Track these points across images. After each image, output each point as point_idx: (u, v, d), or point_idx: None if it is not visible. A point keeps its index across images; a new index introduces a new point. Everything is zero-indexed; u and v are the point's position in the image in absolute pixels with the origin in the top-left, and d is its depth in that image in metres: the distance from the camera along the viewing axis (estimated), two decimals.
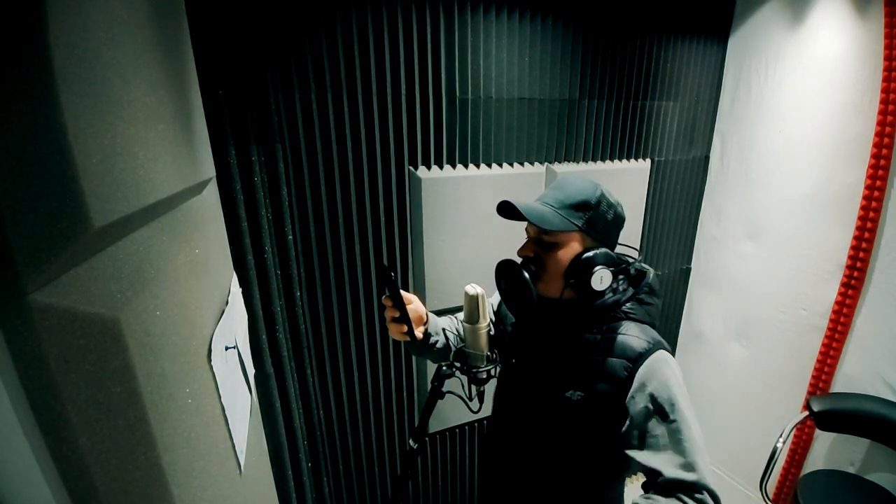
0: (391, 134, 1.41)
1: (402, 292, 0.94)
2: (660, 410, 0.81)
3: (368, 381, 1.62)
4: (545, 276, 0.90)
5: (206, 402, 0.62)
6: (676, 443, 0.79)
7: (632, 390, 0.83)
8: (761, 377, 2.11)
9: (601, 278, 0.86)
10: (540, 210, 0.88)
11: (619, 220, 0.92)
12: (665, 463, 0.78)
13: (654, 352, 0.84)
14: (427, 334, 1.03)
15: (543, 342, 0.97)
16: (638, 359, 0.84)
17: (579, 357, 0.90)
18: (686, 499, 0.75)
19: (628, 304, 0.90)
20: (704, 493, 0.75)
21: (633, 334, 0.87)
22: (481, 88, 1.50)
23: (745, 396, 2.19)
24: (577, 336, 0.92)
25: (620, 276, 0.93)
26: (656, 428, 0.80)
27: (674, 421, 0.80)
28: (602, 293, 0.88)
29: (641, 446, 0.82)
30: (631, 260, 0.96)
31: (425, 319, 1.03)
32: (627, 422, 0.84)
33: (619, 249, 0.98)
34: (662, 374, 0.83)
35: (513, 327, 1.07)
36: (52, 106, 0.36)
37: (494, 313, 1.15)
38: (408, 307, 0.95)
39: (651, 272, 0.95)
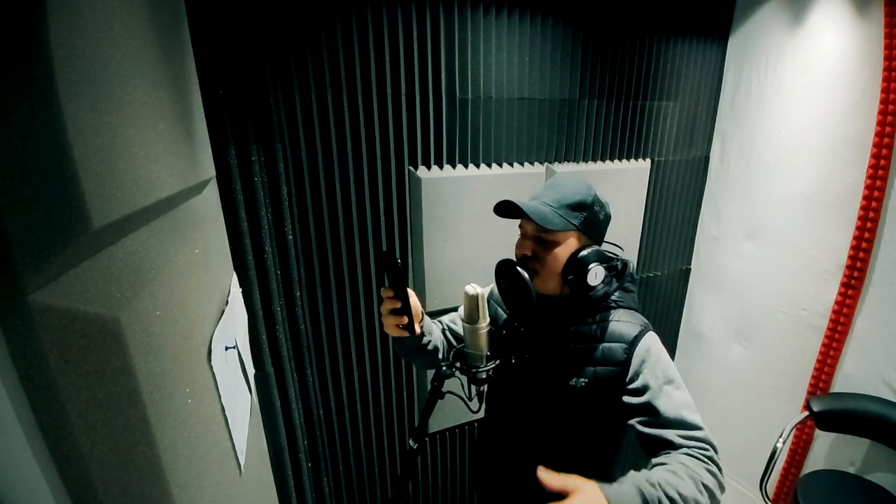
0: (391, 134, 1.41)
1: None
2: (660, 385, 0.89)
3: (368, 381, 1.62)
4: (544, 273, 0.95)
5: (206, 402, 0.62)
6: (678, 412, 0.87)
7: (632, 369, 0.91)
8: (761, 377, 2.11)
9: (596, 274, 0.93)
10: (542, 210, 0.92)
11: (607, 219, 1.01)
12: (674, 434, 0.86)
13: (645, 333, 0.93)
14: (422, 332, 1.02)
15: (542, 337, 1.01)
16: (634, 341, 0.92)
17: (578, 346, 0.96)
18: (697, 455, 0.82)
19: (616, 294, 0.98)
20: (710, 448, 0.84)
21: (625, 320, 0.95)
22: (481, 88, 1.50)
23: (745, 396, 2.19)
24: (574, 327, 0.97)
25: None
26: (660, 401, 0.88)
27: (673, 390, 0.89)
28: (594, 287, 0.95)
29: (650, 420, 0.89)
30: (617, 255, 1.03)
31: (422, 316, 1.03)
32: (633, 400, 0.91)
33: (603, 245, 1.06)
34: (656, 352, 0.92)
35: (506, 326, 1.07)
36: (52, 106, 0.36)
37: None
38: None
39: (631, 263, 1.04)
